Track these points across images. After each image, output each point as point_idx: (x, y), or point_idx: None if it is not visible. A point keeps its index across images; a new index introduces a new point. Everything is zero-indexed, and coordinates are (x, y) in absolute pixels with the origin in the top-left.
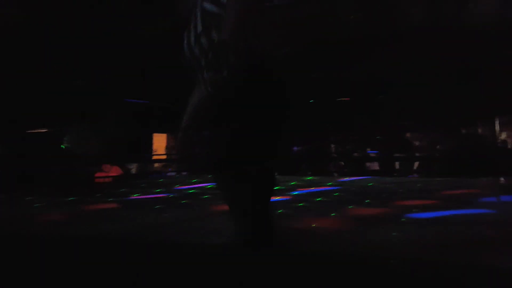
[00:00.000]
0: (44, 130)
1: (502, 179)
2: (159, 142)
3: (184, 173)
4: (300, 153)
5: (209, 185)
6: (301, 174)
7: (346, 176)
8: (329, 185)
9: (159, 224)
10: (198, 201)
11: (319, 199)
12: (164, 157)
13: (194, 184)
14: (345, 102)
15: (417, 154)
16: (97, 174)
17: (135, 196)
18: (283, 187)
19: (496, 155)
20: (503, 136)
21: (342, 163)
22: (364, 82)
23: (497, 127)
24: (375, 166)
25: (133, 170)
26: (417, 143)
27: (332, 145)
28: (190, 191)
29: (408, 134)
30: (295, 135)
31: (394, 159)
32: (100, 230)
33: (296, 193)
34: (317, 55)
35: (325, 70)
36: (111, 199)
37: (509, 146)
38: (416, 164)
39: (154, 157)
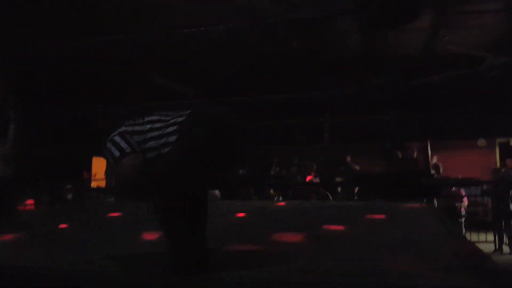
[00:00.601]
0: None
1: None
2: (99, 166)
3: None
4: (245, 177)
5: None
6: (246, 198)
7: (290, 199)
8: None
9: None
10: (128, 228)
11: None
12: (103, 182)
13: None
14: (288, 125)
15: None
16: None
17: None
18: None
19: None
20: (435, 160)
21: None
22: (305, 105)
23: (429, 151)
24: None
25: (69, 196)
26: (357, 167)
27: (277, 169)
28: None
29: (349, 158)
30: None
31: (336, 183)
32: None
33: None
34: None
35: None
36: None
37: (441, 170)
38: (356, 188)
39: (93, 182)
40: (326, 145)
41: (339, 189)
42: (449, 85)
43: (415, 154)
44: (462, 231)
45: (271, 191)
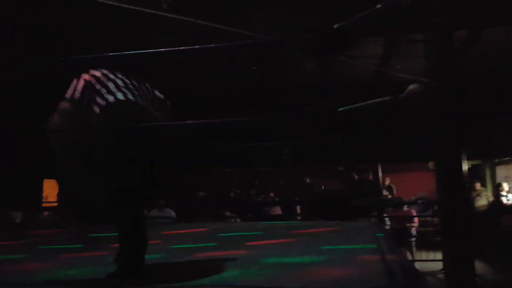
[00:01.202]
0: None
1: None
2: (50, 188)
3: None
4: (203, 199)
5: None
6: (204, 219)
7: (248, 220)
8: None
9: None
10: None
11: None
12: (55, 204)
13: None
14: (247, 146)
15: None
16: None
17: None
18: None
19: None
20: (388, 181)
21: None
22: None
23: (380, 173)
24: (277, 210)
25: (18, 219)
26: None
27: (236, 190)
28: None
29: (308, 179)
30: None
31: (295, 202)
32: None
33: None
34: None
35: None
36: None
37: (394, 192)
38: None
39: (44, 205)
40: (286, 167)
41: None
42: (399, 109)
43: (371, 176)
44: (412, 250)
45: (227, 213)
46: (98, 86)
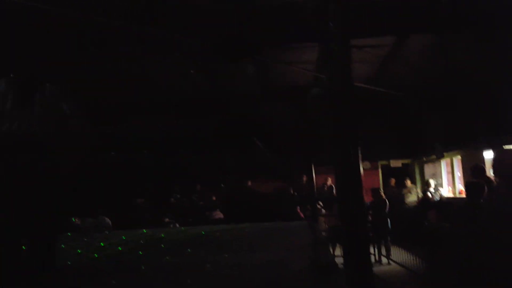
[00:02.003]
0: None
1: None
2: None
3: None
4: (142, 205)
5: None
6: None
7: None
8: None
9: None
10: None
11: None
12: None
13: None
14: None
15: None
16: None
17: None
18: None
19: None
20: (329, 182)
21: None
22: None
23: (313, 175)
24: (218, 214)
25: None
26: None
27: (177, 195)
28: None
29: (249, 182)
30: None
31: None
32: None
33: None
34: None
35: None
36: None
37: (334, 191)
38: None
39: None
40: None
41: None
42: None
43: (304, 180)
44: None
45: (166, 219)
46: None
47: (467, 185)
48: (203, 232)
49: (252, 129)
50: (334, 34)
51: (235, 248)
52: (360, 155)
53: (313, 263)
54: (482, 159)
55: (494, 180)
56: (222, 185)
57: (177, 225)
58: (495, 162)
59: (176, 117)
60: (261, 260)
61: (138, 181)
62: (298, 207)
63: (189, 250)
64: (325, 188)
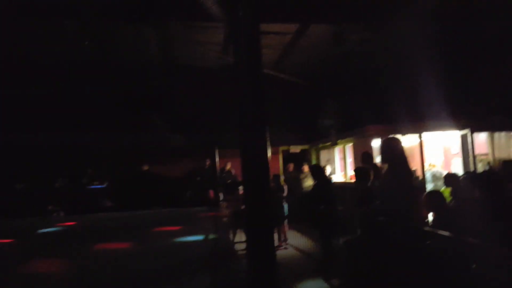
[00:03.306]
0: None
1: None
2: None
3: None
4: (22, 191)
5: None
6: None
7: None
8: None
9: None
10: None
11: None
12: None
13: None
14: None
15: None
16: None
17: None
18: None
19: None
20: (228, 166)
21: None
22: None
23: (217, 159)
24: (108, 202)
25: None
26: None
27: (65, 180)
28: None
29: (146, 167)
30: None
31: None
32: None
33: None
34: None
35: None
36: None
37: (233, 174)
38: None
39: None
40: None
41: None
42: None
43: (207, 164)
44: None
45: (50, 206)
46: None
47: (355, 171)
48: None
49: (152, 106)
50: (244, 17)
51: (122, 236)
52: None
53: (212, 249)
54: (370, 147)
55: (380, 166)
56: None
57: (62, 213)
58: (381, 150)
59: (64, 88)
60: (160, 247)
61: (17, 163)
62: (212, 191)
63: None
64: (223, 174)
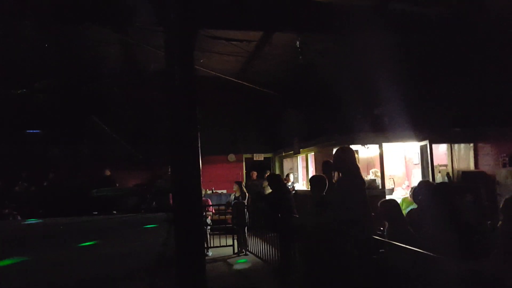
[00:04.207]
0: None
1: None
2: None
3: None
4: None
5: None
6: None
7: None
8: None
9: None
10: None
11: None
12: None
13: None
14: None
15: None
16: None
17: None
18: None
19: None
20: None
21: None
22: None
23: None
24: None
25: None
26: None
27: (24, 184)
28: None
29: (108, 172)
30: None
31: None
32: None
33: None
34: None
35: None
36: None
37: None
38: None
39: None
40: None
41: None
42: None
43: (169, 170)
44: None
45: (6, 210)
46: None
47: (310, 179)
48: None
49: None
50: (174, 21)
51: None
52: (199, 148)
53: (160, 257)
54: (332, 155)
55: (333, 175)
56: (79, 174)
57: (19, 217)
58: (334, 159)
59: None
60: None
61: None
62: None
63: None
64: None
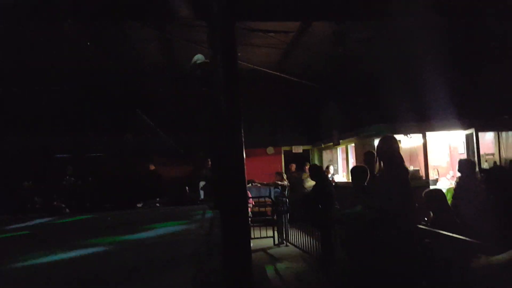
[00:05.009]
0: None
1: None
2: None
3: None
4: (30, 188)
5: None
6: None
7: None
8: None
9: None
10: None
11: None
12: None
13: None
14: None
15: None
16: None
17: None
18: None
19: None
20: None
21: None
22: None
23: None
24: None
25: None
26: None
27: (71, 178)
28: None
29: (152, 166)
30: None
31: None
32: None
33: None
34: None
35: None
36: None
37: None
38: None
39: None
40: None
41: None
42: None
43: (209, 164)
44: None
45: (55, 203)
46: None
47: (351, 170)
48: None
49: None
50: (217, 13)
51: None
52: (243, 140)
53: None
54: (373, 146)
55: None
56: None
57: (67, 210)
58: (377, 148)
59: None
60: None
61: (24, 162)
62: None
63: None
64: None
